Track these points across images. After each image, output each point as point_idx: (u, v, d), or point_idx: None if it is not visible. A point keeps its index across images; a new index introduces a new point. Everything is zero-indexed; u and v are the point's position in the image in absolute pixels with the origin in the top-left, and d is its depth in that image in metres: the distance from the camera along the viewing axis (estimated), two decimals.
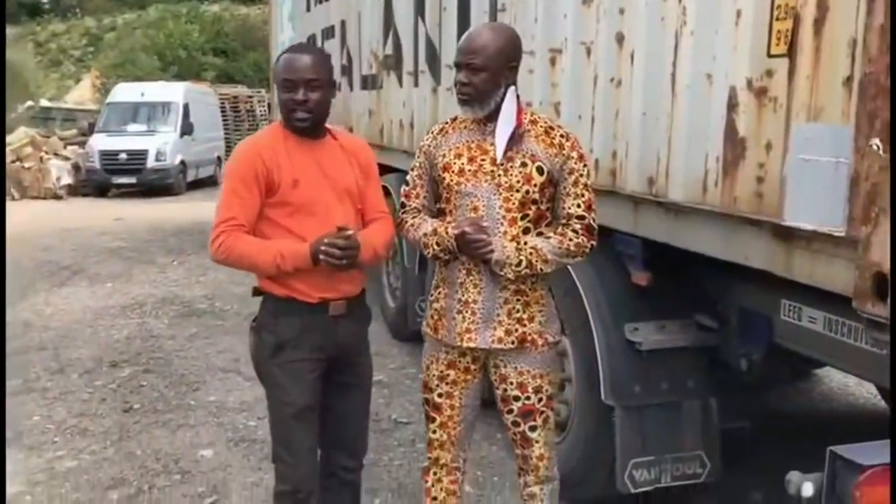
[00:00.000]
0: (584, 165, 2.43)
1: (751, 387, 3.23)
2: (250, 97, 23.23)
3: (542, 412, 2.50)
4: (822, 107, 2.05)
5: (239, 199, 2.44)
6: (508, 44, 2.39)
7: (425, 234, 2.44)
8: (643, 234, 2.93)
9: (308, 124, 2.44)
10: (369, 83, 6.40)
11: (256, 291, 2.59)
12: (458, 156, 2.42)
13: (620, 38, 2.94)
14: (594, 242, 2.43)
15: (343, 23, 7.10)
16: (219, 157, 19.63)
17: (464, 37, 2.45)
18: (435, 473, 2.62)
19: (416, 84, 5.26)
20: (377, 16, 6.00)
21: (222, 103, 21.35)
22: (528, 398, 2.47)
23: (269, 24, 12.47)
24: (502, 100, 2.37)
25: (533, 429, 2.50)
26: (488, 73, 2.33)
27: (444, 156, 2.45)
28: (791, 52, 2.13)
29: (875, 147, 1.85)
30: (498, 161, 2.36)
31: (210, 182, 18.70)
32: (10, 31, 37.13)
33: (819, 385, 5.04)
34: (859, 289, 1.91)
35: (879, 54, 1.84)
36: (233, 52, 30.08)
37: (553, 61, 3.40)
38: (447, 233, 2.37)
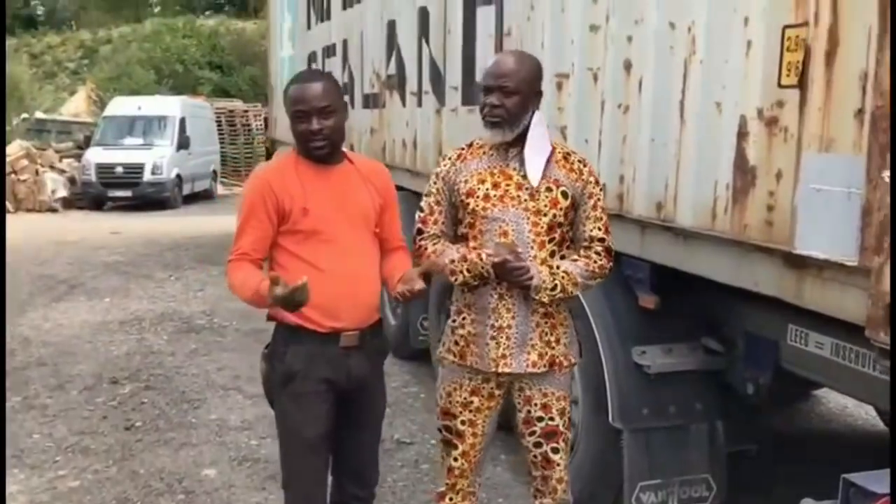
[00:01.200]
0: (601, 189, 2.50)
1: (756, 410, 3.25)
2: (246, 111, 23.24)
3: (564, 434, 2.53)
4: (833, 138, 2.08)
5: (247, 230, 2.46)
6: (535, 70, 2.45)
7: (452, 261, 2.45)
8: (651, 259, 2.96)
9: (326, 151, 2.45)
10: (371, 102, 6.43)
11: (269, 317, 2.58)
12: (482, 181, 2.45)
13: (628, 65, 2.98)
14: (612, 264, 2.48)
15: (345, 41, 7.15)
16: (215, 171, 19.67)
17: (492, 61, 2.48)
18: (451, 499, 2.64)
19: (420, 104, 5.30)
20: (380, 36, 6.04)
21: (218, 117, 21.37)
22: (551, 419, 2.50)
23: (268, 40, 12.53)
24: (527, 126, 2.40)
25: (555, 451, 2.52)
26: (520, 97, 2.37)
27: (466, 181, 2.47)
28: (802, 84, 2.17)
29: (887, 179, 1.88)
30: (534, 185, 2.39)
31: (206, 196, 18.72)
32: (7, 42, 37.10)
33: (818, 406, 5.07)
34: (872, 318, 1.94)
35: (891, 88, 1.88)
36: (229, 67, 30.11)
37: (560, 86, 3.44)
38: (480, 259, 2.38)
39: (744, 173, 2.40)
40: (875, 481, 1.95)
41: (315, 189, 2.46)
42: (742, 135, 2.40)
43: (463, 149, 2.57)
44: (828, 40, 2.07)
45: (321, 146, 2.43)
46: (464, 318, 2.53)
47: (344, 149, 2.58)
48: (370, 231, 2.55)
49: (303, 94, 2.42)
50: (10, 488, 3.83)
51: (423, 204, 2.59)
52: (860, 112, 1.99)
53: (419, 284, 2.36)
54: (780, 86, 2.26)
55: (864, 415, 4.88)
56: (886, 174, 1.88)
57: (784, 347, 2.72)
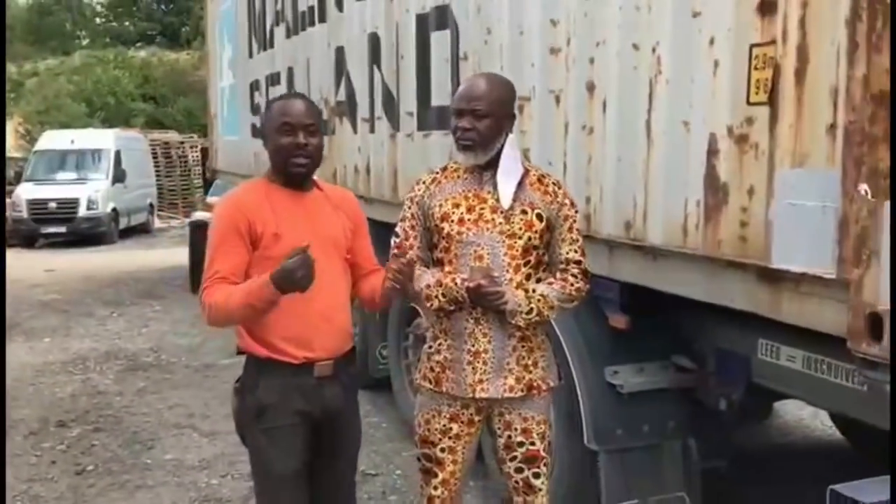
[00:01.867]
0: (576, 211, 2.49)
1: (726, 425, 3.28)
2: (182, 143, 22.89)
3: (545, 458, 2.50)
4: (806, 153, 2.11)
5: (222, 255, 2.36)
6: (508, 93, 2.44)
7: (427, 286, 2.42)
8: (621, 278, 2.97)
9: (305, 170, 2.41)
10: None
11: (239, 350, 2.50)
12: (456, 205, 2.43)
13: (591, 87, 3.00)
14: (589, 286, 2.47)
15: (290, 69, 7.08)
16: (151, 204, 19.25)
17: (464, 84, 2.47)
18: None
19: (373, 130, 5.26)
20: (328, 63, 6.01)
21: (153, 150, 20.99)
22: (532, 444, 2.46)
23: (207, 70, 12.36)
24: (500, 148, 2.39)
25: (536, 476, 2.48)
26: (492, 120, 2.36)
27: (440, 205, 2.44)
28: (772, 101, 2.20)
29: (863, 192, 1.92)
30: (506, 209, 2.37)
31: (143, 230, 18.30)
32: None
33: (775, 419, 5.15)
34: (853, 329, 1.96)
35: (863, 103, 1.92)
36: (162, 98, 29.67)
37: (521, 108, 3.43)
38: (455, 283, 2.35)
39: (715, 190, 2.43)
40: (862, 491, 1.96)
41: (287, 215, 2.40)
42: (712, 152, 2.43)
43: (437, 172, 2.55)
44: (797, 58, 2.11)
45: (303, 163, 2.39)
46: (440, 344, 2.49)
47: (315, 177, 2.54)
48: (342, 258, 2.51)
49: (290, 108, 2.40)
50: None
51: (398, 229, 2.56)
52: (832, 127, 2.03)
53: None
54: (748, 103, 2.29)
55: (821, 425, 4.98)
56: (863, 187, 1.91)
57: (755, 362, 2.75)
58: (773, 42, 2.19)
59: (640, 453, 3.07)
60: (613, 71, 2.87)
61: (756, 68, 2.26)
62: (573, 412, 3.10)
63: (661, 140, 2.66)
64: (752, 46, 2.26)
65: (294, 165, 2.40)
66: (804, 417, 5.11)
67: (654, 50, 2.65)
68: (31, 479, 4.32)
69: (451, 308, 2.41)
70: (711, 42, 2.41)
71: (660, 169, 2.68)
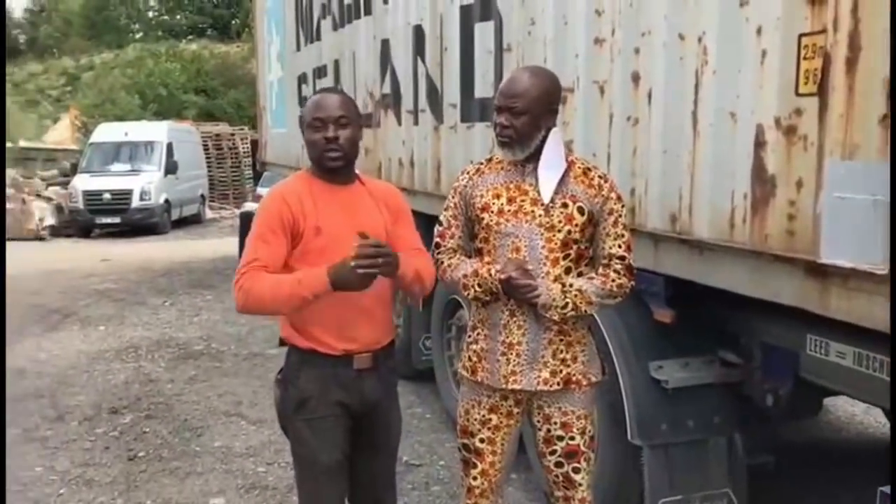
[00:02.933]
0: (623, 206, 2.44)
1: (773, 421, 3.22)
2: (232, 135, 23.21)
3: (585, 453, 2.48)
4: (857, 144, 2.06)
5: (263, 243, 2.38)
6: (550, 88, 2.41)
7: (465, 276, 2.42)
8: (665, 272, 2.93)
9: (340, 163, 2.42)
10: (365, 122, 6.40)
11: (282, 342, 2.54)
12: (497, 196, 2.42)
13: (636, 78, 2.97)
14: (633, 283, 2.44)
15: (336, 62, 7.13)
16: (202, 195, 19.60)
17: (505, 80, 2.45)
18: None
19: (417, 123, 5.27)
20: (374, 55, 6.03)
21: (205, 142, 21.32)
22: (572, 438, 2.45)
23: (256, 63, 12.51)
24: (542, 142, 2.37)
25: (576, 470, 2.47)
26: (529, 117, 2.34)
27: (481, 196, 2.45)
28: (821, 91, 2.15)
29: None
30: (546, 202, 2.36)
31: (195, 220, 18.63)
32: None
33: (826, 415, 5.04)
34: None
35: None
36: (213, 91, 30.10)
37: (565, 100, 3.41)
38: (490, 274, 2.36)
39: (763, 183, 2.38)
40: None
41: (328, 208, 2.43)
42: (759, 144, 2.38)
43: (482, 163, 2.55)
44: (848, 46, 2.05)
45: (335, 156, 2.41)
46: (477, 334, 2.50)
47: (357, 171, 2.56)
48: None
49: (321, 103, 2.43)
50: None
51: (441, 218, 2.57)
52: (885, 118, 1.97)
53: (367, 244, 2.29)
54: (797, 94, 2.24)
55: (874, 422, 4.87)
56: None
57: (804, 358, 2.69)
58: (824, 31, 2.13)
59: (684, 449, 3.03)
60: (659, 61, 2.83)
61: (805, 58, 2.21)
62: (617, 407, 3.07)
63: (707, 132, 2.62)
64: (801, 35, 2.21)
65: (327, 160, 2.42)
66: (857, 414, 4.99)
67: (700, 40, 2.61)
68: (85, 463, 4.44)
69: (487, 298, 2.41)
70: (759, 31, 2.36)
71: (706, 161, 2.63)
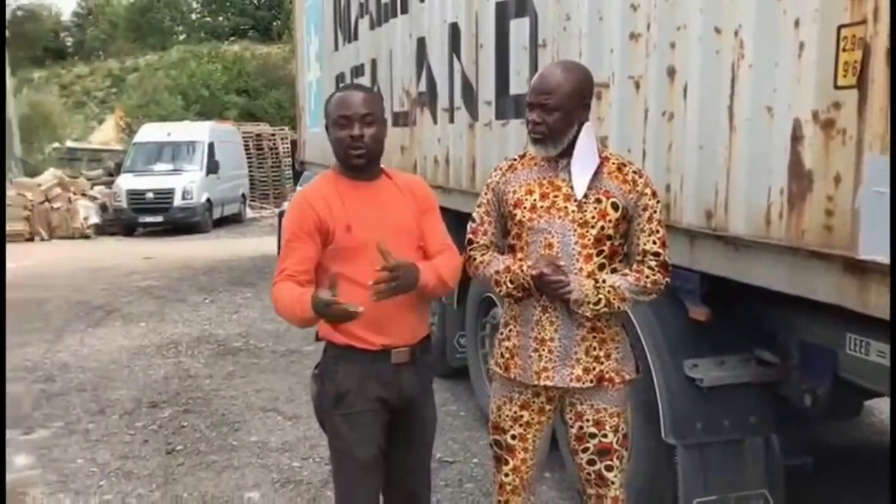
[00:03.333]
0: (658, 202, 2.42)
1: (811, 422, 3.16)
2: (273, 135, 23.45)
3: (618, 451, 2.46)
4: None
5: (290, 252, 2.43)
6: (582, 83, 2.39)
7: (497, 272, 2.42)
8: (701, 269, 2.89)
9: (365, 161, 2.43)
10: (401, 120, 6.43)
11: (318, 337, 2.55)
12: (530, 192, 2.41)
13: (672, 72, 2.93)
14: (668, 279, 2.41)
15: (373, 61, 7.16)
16: (243, 195, 19.83)
17: (536, 76, 2.44)
18: None
19: (452, 120, 5.27)
20: (409, 53, 6.04)
21: (246, 142, 21.56)
22: (605, 436, 2.43)
23: (295, 63, 12.62)
24: (575, 138, 2.36)
25: (609, 468, 2.45)
26: (562, 113, 2.33)
27: (514, 192, 2.44)
28: (861, 83, 2.10)
29: None
30: (579, 198, 2.34)
31: (236, 220, 18.86)
32: (37, 74, 37.93)
33: (869, 416, 4.93)
34: None
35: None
36: (254, 91, 30.49)
37: (599, 95, 3.39)
38: (522, 270, 2.35)
39: (800, 178, 2.34)
40: None
41: (356, 206, 2.43)
42: (797, 138, 2.34)
43: (515, 159, 2.55)
44: (889, 37, 2.00)
45: (360, 154, 2.41)
46: (510, 331, 2.50)
47: (382, 165, 2.57)
48: (414, 245, 2.51)
49: (346, 100, 2.43)
50: None
51: (474, 214, 2.57)
52: None
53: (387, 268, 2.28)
54: (836, 87, 2.19)
55: None
56: None
57: (843, 357, 2.64)
58: (864, 22, 2.08)
59: (719, 448, 2.99)
60: (695, 55, 2.79)
61: (844, 50, 2.16)
62: (651, 405, 3.04)
63: (743, 126, 2.58)
64: (840, 27, 2.16)
65: (352, 157, 2.42)
66: None
67: (736, 33, 2.57)
68: (124, 456, 4.52)
69: (520, 295, 2.40)
70: (797, 24, 2.32)
71: (742, 156, 2.59)
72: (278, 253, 2.54)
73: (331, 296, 2.21)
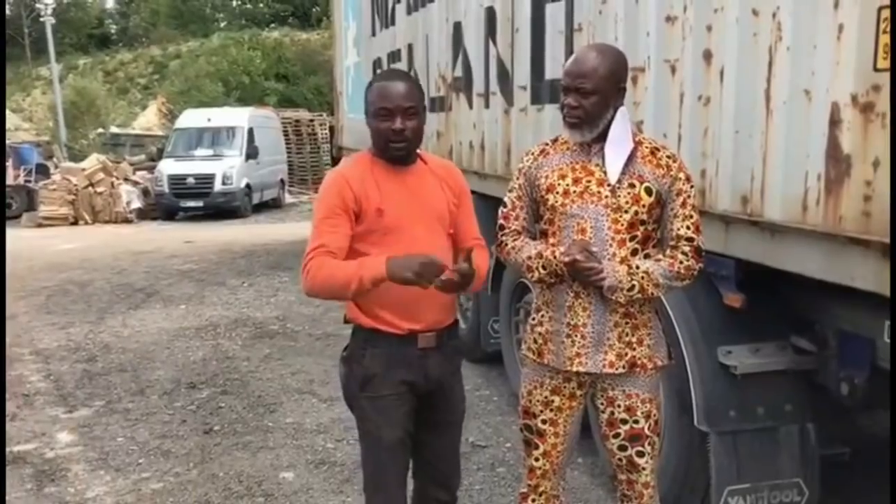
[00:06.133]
0: (692, 186, 2.38)
1: (849, 411, 3.11)
2: (312, 121, 23.58)
3: (650, 437, 2.44)
4: None
5: (328, 228, 2.40)
6: (618, 65, 2.35)
7: (529, 258, 2.41)
8: (736, 255, 2.85)
9: (404, 153, 2.43)
10: (437, 105, 6.42)
11: (346, 320, 2.57)
12: (563, 177, 2.39)
13: (708, 56, 2.89)
14: (702, 265, 2.38)
15: (410, 46, 7.16)
16: (282, 180, 19.99)
17: (571, 59, 2.41)
18: (533, 500, 2.58)
19: (487, 106, 5.26)
20: (446, 38, 6.03)
21: (285, 127, 21.71)
22: (636, 422, 2.42)
23: (333, 49, 12.65)
24: (610, 122, 2.33)
25: (640, 454, 2.44)
26: (598, 97, 2.30)
27: (546, 177, 2.42)
28: None
29: None
30: (613, 183, 2.33)
31: (274, 205, 19.04)
32: (82, 61, 38.57)
33: None
34: None
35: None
36: (294, 77, 30.68)
37: (635, 80, 3.35)
38: (555, 256, 2.34)
39: (837, 162, 2.30)
40: None
41: (390, 190, 2.43)
42: (834, 122, 2.30)
43: (547, 144, 2.52)
44: None
45: (401, 147, 2.40)
46: (542, 316, 2.49)
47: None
48: (445, 231, 2.51)
49: (388, 91, 2.38)
50: (97, 490, 3.93)
51: (505, 199, 2.55)
52: None
53: (462, 271, 2.28)
54: (875, 69, 2.14)
55: None
56: None
57: (881, 345, 2.60)
58: None
59: (753, 436, 2.96)
60: (732, 38, 2.75)
61: (884, 32, 2.11)
62: (684, 392, 3.02)
63: (780, 110, 2.54)
64: (880, 8, 2.11)
65: (392, 150, 2.41)
66: None
67: (774, 15, 2.53)
68: (163, 435, 4.61)
69: (552, 281, 2.38)
70: (836, 5, 2.27)
71: (779, 141, 2.55)
72: None
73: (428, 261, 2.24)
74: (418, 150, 2.54)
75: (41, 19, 28.80)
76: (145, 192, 17.27)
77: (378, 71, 8.49)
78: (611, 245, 2.34)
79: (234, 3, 44.89)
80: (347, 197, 2.39)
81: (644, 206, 2.34)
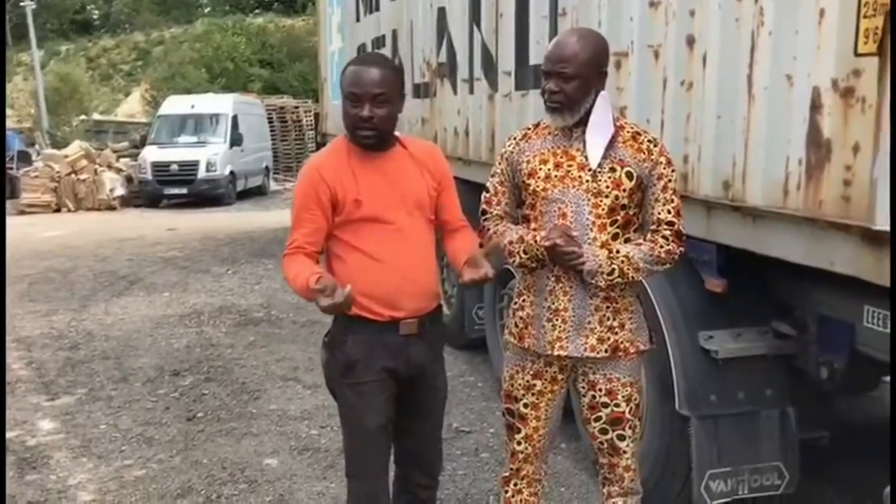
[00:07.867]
0: (673, 171, 2.38)
1: (828, 395, 3.14)
2: (296, 108, 23.48)
3: (630, 421, 2.45)
4: None
5: (300, 223, 2.42)
6: (599, 50, 2.35)
7: (510, 242, 2.41)
8: (718, 240, 2.87)
9: (372, 141, 2.39)
10: (422, 91, 6.40)
11: None
12: (544, 161, 2.39)
13: (691, 41, 2.89)
14: (683, 249, 2.38)
15: (394, 32, 7.12)
16: (267, 167, 19.90)
17: (552, 44, 2.40)
18: (515, 484, 2.59)
19: (472, 91, 5.24)
20: (430, 24, 6.00)
21: (269, 114, 21.61)
22: (617, 405, 2.43)
23: (318, 34, 12.59)
24: (591, 106, 2.33)
25: (621, 438, 2.45)
26: (580, 81, 2.29)
27: (528, 162, 2.42)
28: (882, 51, 2.06)
29: None
30: (594, 168, 2.32)
31: (259, 192, 18.95)
32: (64, 46, 38.17)
33: (886, 391, 4.88)
34: None
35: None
36: (278, 64, 30.49)
37: (618, 65, 3.35)
38: (535, 241, 2.34)
39: (818, 147, 2.30)
40: None
41: (367, 178, 2.40)
42: (816, 107, 2.30)
43: (529, 128, 2.52)
44: None
45: (368, 135, 2.37)
46: (524, 300, 2.49)
47: (396, 132, 2.52)
48: (426, 218, 2.50)
49: (359, 77, 2.35)
50: (79, 477, 3.91)
51: (488, 184, 2.55)
52: None
53: (486, 270, 2.32)
54: (856, 54, 2.15)
55: None
56: None
57: (860, 330, 2.61)
58: None
59: (734, 420, 2.97)
60: (714, 23, 2.75)
61: (865, 16, 2.11)
62: (665, 376, 3.04)
63: (762, 95, 2.54)
64: None
65: (359, 137, 2.38)
66: None
67: (756, 0, 2.53)
68: (146, 422, 4.59)
69: (533, 265, 2.39)
70: None
71: (760, 126, 2.56)
72: None
73: (327, 302, 2.20)
74: (398, 134, 2.53)
75: (21, 4, 28.48)
76: (129, 180, 17.14)
77: (357, 56, 8.45)
78: (591, 229, 2.34)
79: None
80: (321, 190, 2.38)
81: (625, 190, 2.34)
